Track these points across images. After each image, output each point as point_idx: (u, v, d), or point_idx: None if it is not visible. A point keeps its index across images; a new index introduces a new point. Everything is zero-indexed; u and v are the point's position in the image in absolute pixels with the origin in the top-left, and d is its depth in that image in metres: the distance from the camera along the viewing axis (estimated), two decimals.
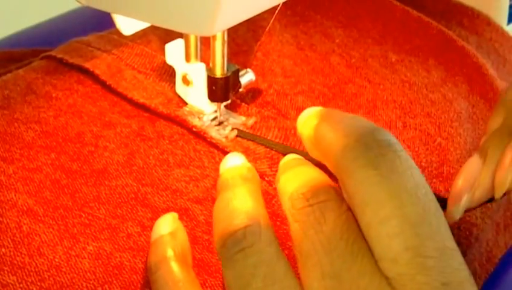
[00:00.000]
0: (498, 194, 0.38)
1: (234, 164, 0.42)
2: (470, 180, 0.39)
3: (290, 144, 0.49)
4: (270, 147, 0.49)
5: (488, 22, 0.68)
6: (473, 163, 0.40)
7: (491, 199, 0.38)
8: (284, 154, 0.46)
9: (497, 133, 0.41)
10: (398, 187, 0.31)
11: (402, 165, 0.32)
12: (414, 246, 0.30)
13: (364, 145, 0.32)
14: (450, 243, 0.31)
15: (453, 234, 0.50)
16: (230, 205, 0.37)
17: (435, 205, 0.32)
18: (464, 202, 0.39)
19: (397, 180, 0.31)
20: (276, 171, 0.46)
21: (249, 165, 0.42)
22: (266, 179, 0.46)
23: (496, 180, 0.38)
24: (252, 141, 0.49)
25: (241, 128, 0.50)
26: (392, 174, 0.31)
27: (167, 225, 0.40)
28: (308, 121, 0.37)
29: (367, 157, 0.32)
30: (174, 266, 0.38)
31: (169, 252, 0.38)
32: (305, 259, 0.33)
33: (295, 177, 0.37)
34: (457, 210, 0.40)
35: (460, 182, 0.40)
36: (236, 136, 0.49)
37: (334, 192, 0.34)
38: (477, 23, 0.69)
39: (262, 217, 0.36)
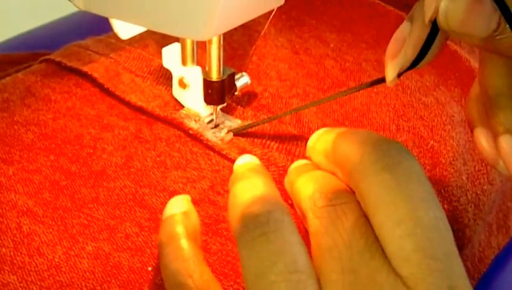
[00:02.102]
0: (426, 18, 0.37)
1: (247, 160, 0.43)
2: (399, 42, 0.39)
3: (285, 148, 0.50)
4: (262, 123, 0.50)
5: None
6: (402, 28, 0.40)
7: (422, 56, 0.38)
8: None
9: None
10: (412, 193, 0.32)
11: (417, 175, 0.33)
12: (425, 248, 0.31)
13: (382, 152, 0.33)
14: (455, 252, 0.32)
15: None
16: (250, 191, 0.37)
17: (443, 213, 0.33)
18: (397, 61, 0.39)
19: (412, 187, 0.32)
20: (273, 171, 0.47)
21: (259, 162, 0.43)
22: None
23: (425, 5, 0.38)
24: (247, 138, 0.50)
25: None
26: (407, 181, 0.32)
27: (180, 204, 0.40)
28: (324, 135, 0.38)
29: (385, 162, 0.33)
30: (184, 243, 0.37)
31: (180, 229, 0.38)
32: (325, 252, 0.33)
33: (314, 180, 0.38)
34: (391, 70, 0.40)
35: (391, 44, 0.40)
36: (233, 134, 0.50)
37: (354, 196, 0.35)
38: None
39: (284, 206, 0.36)
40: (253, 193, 0.37)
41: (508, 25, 0.34)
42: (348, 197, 0.35)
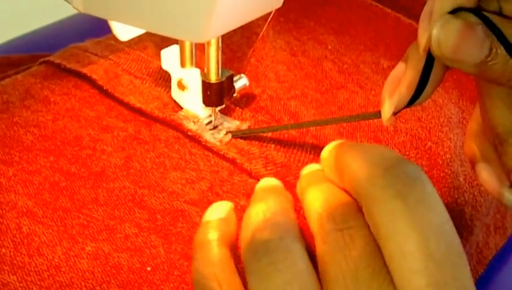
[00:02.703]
0: (421, 48, 0.38)
1: (268, 182, 0.42)
2: (395, 81, 0.40)
3: (284, 148, 0.50)
4: (263, 132, 0.50)
5: None
6: (398, 68, 0.40)
7: (417, 96, 0.38)
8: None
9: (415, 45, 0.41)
10: (424, 222, 0.31)
11: (429, 199, 0.32)
12: (437, 284, 0.30)
13: (393, 176, 0.32)
14: (471, 284, 0.31)
15: None
16: (263, 214, 0.37)
17: (458, 242, 0.31)
18: (392, 101, 0.40)
19: (423, 214, 0.31)
20: (271, 170, 0.47)
21: (281, 184, 0.42)
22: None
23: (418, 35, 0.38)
24: (246, 139, 0.50)
25: None
26: (419, 207, 0.31)
27: (219, 210, 0.40)
28: (337, 149, 0.38)
29: (396, 188, 0.32)
30: (216, 249, 0.37)
31: (214, 235, 0.37)
32: (331, 283, 0.33)
33: (323, 197, 0.37)
34: (387, 109, 0.40)
35: (387, 84, 0.40)
36: (232, 137, 0.50)
37: (362, 218, 0.34)
38: None
39: (295, 231, 0.36)
40: (265, 217, 0.37)
41: (499, 50, 0.34)
42: (356, 220, 0.34)
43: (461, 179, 0.54)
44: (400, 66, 0.40)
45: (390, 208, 0.31)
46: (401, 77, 0.39)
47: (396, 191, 0.31)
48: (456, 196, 0.53)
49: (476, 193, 0.55)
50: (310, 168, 0.41)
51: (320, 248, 0.34)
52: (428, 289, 0.30)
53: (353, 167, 0.34)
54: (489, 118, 0.40)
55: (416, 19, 0.63)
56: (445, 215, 0.32)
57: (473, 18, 0.35)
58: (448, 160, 0.53)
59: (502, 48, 0.34)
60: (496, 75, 0.35)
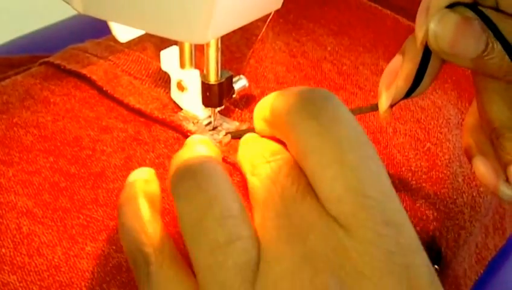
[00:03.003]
0: (418, 42, 0.38)
1: (197, 137, 0.44)
2: (392, 74, 0.40)
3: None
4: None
5: None
6: (394, 61, 0.41)
7: (414, 88, 0.39)
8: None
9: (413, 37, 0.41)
10: (338, 136, 0.32)
11: (342, 116, 0.33)
12: (355, 187, 0.31)
13: (305, 100, 0.34)
14: (389, 188, 0.32)
15: (442, 237, 0.51)
16: (189, 150, 0.39)
17: (374, 152, 0.33)
18: (389, 93, 0.40)
19: (337, 129, 0.33)
20: None
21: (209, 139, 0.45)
22: None
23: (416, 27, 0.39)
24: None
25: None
26: (332, 124, 0.33)
27: (142, 173, 0.41)
28: (262, 101, 0.40)
29: (308, 110, 0.33)
30: (141, 203, 0.38)
31: (139, 192, 0.39)
32: (261, 205, 0.34)
33: (254, 146, 0.39)
34: (384, 102, 0.41)
35: (384, 76, 0.41)
36: (232, 138, 0.50)
37: (288, 153, 0.36)
38: None
39: (217, 158, 0.38)
40: (191, 151, 0.38)
41: (496, 45, 0.34)
42: (282, 153, 0.36)
43: (460, 180, 0.54)
44: (397, 59, 0.40)
45: (305, 128, 0.33)
46: (398, 70, 0.40)
47: (309, 112, 0.33)
48: (455, 197, 0.53)
49: (475, 194, 0.55)
50: (244, 137, 0.43)
51: (250, 181, 0.37)
52: (348, 193, 0.31)
53: (275, 105, 0.37)
54: (486, 112, 0.40)
55: (415, 20, 0.63)
56: (359, 129, 0.33)
57: (469, 13, 0.35)
58: (447, 161, 0.54)
59: (498, 43, 0.35)
60: (493, 69, 0.36)
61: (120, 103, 0.53)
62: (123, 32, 0.51)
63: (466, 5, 0.36)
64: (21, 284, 0.40)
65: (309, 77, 0.59)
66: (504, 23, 0.35)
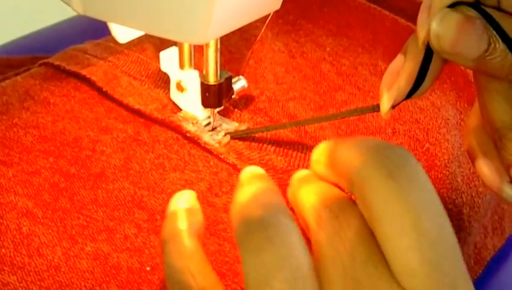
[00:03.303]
0: (420, 41, 0.38)
1: (252, 169, 0.41)
2: (394, 74, 0.40)
3: (283, 151, 0.50)
4: (261, 131, 0.50)
5: None
6: (396, 61, 0.40)
7: (416, 88, 0.38)
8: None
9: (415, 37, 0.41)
10: (416, 200, 0.31)
11: (421, 178, 0.32)
12: (431, 260, 0.30)
13: (385, 157, 0.32)
14: (462, 264, 0.31)
15: None
16: (254, 195, 0.36)
17: (448, 221, 0.31)
18: (391, 94, 0.40)
19: (415, 193, 0.31)
20: (272, 175, 0.47)
21: (264, 172, 0.42)
22: None
23: (417, 25, 0.38)
24: (244, 140, 0.50)
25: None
26: (411, 187, 0.31)
27: (184, 200, 0.39)
28: (326, 146, 0.37)
29: (388, 168, 0.32)
30: (187, 241, 0.36)
31: (183, 226, 0.37)
32: (328, 263, 0.33)
33: (317, 191, 0.37)
34: (386, 102, 0.40)
35: (385, 76, 0.40)
36: (231, 138, 0.50)
37: (357, 208, 0.34)
38: None
39: (287, 210, 0.35)
40: (257, 197, 0.36)
41: (498, 44, 0.34)
42: (351, 208, 0.34)
43: (459, 180, 0.54)
44: (399, 59, 0.40)
45: (382, 188, 0.31)
46: (400, 70, 0.39)
47: (388, 171, 0.31)
48: (454, 197, 0.53)
49: (474, 194, 0.55)
50: (300, 173, 0.41)
51: (316, 235, 0.34)
52: (423, 266, 0.30)
53: (346, 156, 0.34)
54: (488, 112, 0.40)
55: (414, 20, 0.63)
56: (435, 194, 0.32)
57: (471, 12, 0.35)
58: (446, 161, 0.54)
59: (500, 42, 0.34)
60: (495, 69, 0.35)
61: (120, 103, 0.53)
62: (123, 33, 0.52)
63: (468, 4, 0.35)
64: (21, 285, 0.40)
65: (308, 77, 0.59)
66: (507, 22, 0.35)
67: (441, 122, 0.56)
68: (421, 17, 0.37)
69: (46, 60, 0.59)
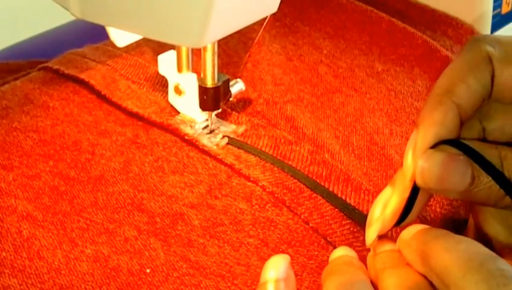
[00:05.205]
0: (406, 179, 0.38)
1: (342, 253, 0.42)
2: (382, 205, 0.40)
3: (280, 153, 0.50)
4: (258, 155, 0.50)
5: (472, 32, 0.70)
6: (384, 193, 0.41)
7: (403, 219, 0.39)
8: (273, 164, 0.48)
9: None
10: None
11: None
12: None
13: (488, 272, 0.32)
14: None
15: None
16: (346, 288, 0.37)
17: None
18: (376, 226, 0.40)
19: None
20: (269, 176, 0.47)
21: (355, 254, 0.42)
22: (260, 184, 0.48)
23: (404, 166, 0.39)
24: (242, 148, 0.50)
25: (231, 136, 0.51)
26: None
27: (277, 268, 0.38)
28: (422, 236, 0.37)
29: (490, 284, 0.31)
30: None
31: None
32: None
33: (400, 280, 0.37)
34: (371, 233, 0.41)
35: (373, 208, 0.41)
36: (227, 143, 0.50)
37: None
38: (461, 32, 0.70)
39: None
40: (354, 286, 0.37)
41: (482, 177, 0.36)
42: None
43: None
44: (387, 191, 0.40)
45: None
46: (387, 202, 0.40)
47: (489, 287, 0.31)
48: (451, 198, 0.53)
49: None
50: (385, 247, 0.41)
51: None
52: None
53: (445, 257, 0.34)
54: (484, 232, 0.41)
55: (410, 22, 0.64)
56: None
57: (454, 150, 0.36)
58: None
59: (484, 174, 0.36)
60: (482, 199, 0.36)
61: (118, 107, 0.54)
62: (121, 37, 0.52)
63: (450, 142, 0.37)
64: (22, 287, 0.40)
65: (305, 79, 0.60)
66: (491, 152, 0.36)
67: None
68: (407, 157, 0.38)
69: (45, 64, 0.59)
